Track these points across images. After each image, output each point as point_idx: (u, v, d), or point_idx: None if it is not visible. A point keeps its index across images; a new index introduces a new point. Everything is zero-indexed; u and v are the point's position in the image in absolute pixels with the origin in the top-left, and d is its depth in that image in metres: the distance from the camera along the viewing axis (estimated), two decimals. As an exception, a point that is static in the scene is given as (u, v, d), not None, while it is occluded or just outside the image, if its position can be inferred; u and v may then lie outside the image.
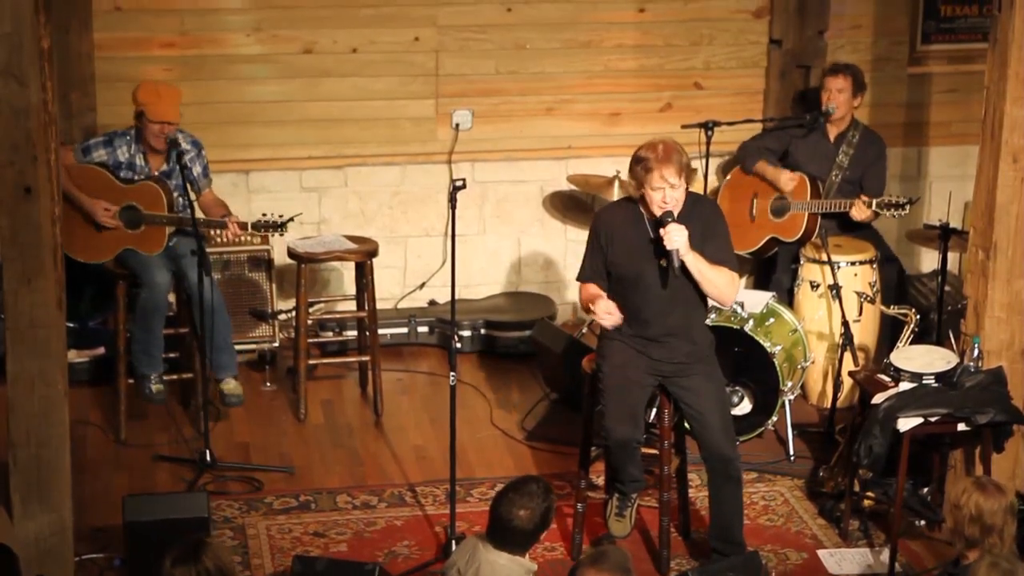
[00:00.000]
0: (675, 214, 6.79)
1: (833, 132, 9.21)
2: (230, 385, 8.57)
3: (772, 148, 9.38)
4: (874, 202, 8.79)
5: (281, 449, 8.39)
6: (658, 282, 6.89)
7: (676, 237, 6.75)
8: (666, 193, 6.77)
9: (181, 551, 5.37)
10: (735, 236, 9.10)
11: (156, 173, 8.43)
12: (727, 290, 6.97)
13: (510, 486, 6.01)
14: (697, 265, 6.82)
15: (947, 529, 6.03)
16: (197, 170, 8.45)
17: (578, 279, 7.17)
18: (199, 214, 8.36)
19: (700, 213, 6.93)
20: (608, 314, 6.88)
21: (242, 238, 8.66)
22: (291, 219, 8.40)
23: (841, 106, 9.11)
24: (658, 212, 6.80)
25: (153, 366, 8.53)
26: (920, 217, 9.94)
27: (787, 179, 9.17)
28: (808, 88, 9.71)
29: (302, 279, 8.62)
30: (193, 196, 8.37)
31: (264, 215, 8.40)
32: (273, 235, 8.49)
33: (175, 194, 8.40)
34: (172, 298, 8.78)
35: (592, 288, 7.01)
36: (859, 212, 8.87)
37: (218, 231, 8.48)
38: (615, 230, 6.97)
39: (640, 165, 6.80)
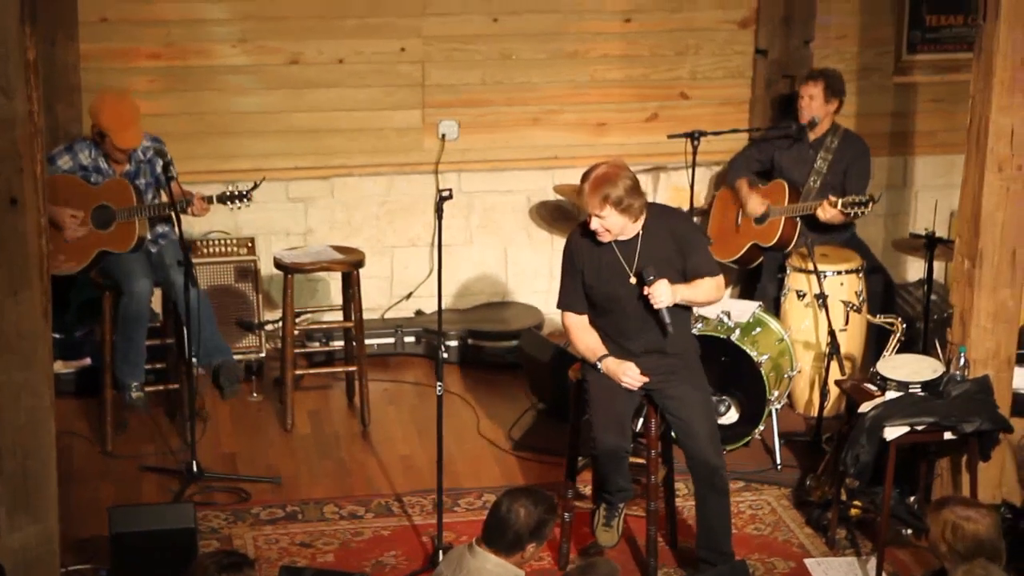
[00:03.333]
0: (615, 238, 6.84)
1: (811, 137, 9.22)
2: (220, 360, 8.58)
3: (759, 159, 9.42)
4: (839, 201, 8.80)
5: (268, 460, 8.39)
6: (632, 300, 6.91)
7: (662, 297, 6.82)
8: (592, 221, 6.83)
9: (225, 558, 5.42)
10: (722, 245, 9.22)
11: (120, 175, 8.42)
12: (714, 296, 7.05)
13: (521, 487, 6.10)
14: (684, 297, 6.89)
15: (950, 568, 5.88)
16: (160, 171, 8.36)
17: (559, 307, 7.17)
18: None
19: (670, 225, 6.96)
20: (630, 376, 6.94)
21: (208, 212, 8.55)
22: (255, 186, 8.40)
23: (815, 112, 9.13)
24: (597, 237, 6.84)
25: (134, 375, 8.51)
26: (906, 226, 9.98)
27: (754, 205, 9.20)
28: (794, 97, 9.72)
29: (289, 289, 8.62)
30: (164, 195, 8.35)
31: (228, 188, 8.40)
32: (238, 205, 8.46)
33: (146, 194, 8.39)
34: (159, 309, 8.79)
35: (592, 339, 7.03)
36: (823, 212, 8.89)
37: (187, 209, 8.38)
38: (585, 252, 6.99)
39: (579, 187, 6.89)
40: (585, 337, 7.04)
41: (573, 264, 7.03)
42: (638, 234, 6.89)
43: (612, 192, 6.74)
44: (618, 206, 6.77)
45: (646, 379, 6.94)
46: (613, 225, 6.81)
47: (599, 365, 6.98)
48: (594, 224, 6.82)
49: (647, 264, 6.84)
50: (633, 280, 6.88)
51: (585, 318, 7.06)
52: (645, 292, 6.82)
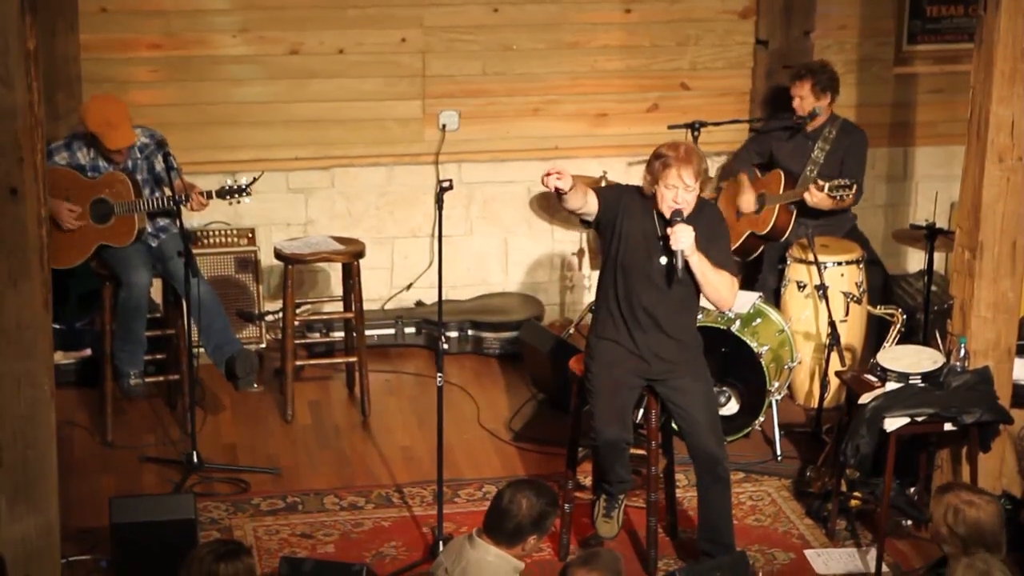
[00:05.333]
0: (684, 215, 6.81)
1: (808, 128, 9.22)
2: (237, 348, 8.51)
3: (758, 152, 9.43)
4: (826, 185, 8.79)
5: (268, 450, 8.39)
6: (658, 277, 6.89)
7: (683, 237, 6.76)
8: (679, 193, 6.78)
9: (215, 547, 5.45)
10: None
11: (117, 169, 8.40)
12: (726, 293, 6.98)
13: (525, 479, 6.10)
14: (701, 267, 6.84)
15: (946, 550, 5.90)
16: (160, 165, 8.33)
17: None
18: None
19: (705, 217, 6.95)
20: (558, 175, 6.73)
21: (206, 207, 8.50)
22: (253, 181, 8.37)
23: (806, 110, 9.12)
24: (667, 211, 6.81)
25: (133, 364, 8.49)
26: (906, 217, 9.97)
27: (746, 201, 9.21)
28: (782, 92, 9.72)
29: (289, 280, 8.62)
30: (165, 190, 8.33)
31: (227, 182, 8.39)
32: (237, 200, 8.43)
33: (144, 188, 8.37)
34: (160, 300, 8.79)
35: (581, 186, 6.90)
36: (811, 196, 8.90)
37: (186, 204, 8.32)
38: (631, 214, 6.95)
39: (659, 160, 6.81)
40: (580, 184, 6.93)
41: (619, 200, 6.96)
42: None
43: (703, 164, 6.82)
44: (705, 180, 6.83)
45: (561, 176, 6.76)
46: (693, 200, 6.83)
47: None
48: (680, 197, 6.78)
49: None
50: (663, 259, 6.86)
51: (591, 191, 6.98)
52: (668, 231, 6.79)
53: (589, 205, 6.91)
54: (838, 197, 8.76)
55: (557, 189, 6.75)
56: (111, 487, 7.85)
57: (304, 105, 9.48)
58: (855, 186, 8.73)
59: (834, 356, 8.27)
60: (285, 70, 9.42)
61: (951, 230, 8.16)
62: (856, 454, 7.17)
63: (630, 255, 6.93)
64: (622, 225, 6.93)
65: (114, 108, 8.32)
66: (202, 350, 8.41)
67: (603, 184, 9.17)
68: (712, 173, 9.89)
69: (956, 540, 5.75)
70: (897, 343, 7.79)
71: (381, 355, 9.48)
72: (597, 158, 9.63)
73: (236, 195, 8.37)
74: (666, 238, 6.81)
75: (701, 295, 7.01)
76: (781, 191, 9.13)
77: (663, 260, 6.88)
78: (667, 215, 6.82)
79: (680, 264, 6.80)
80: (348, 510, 7.78)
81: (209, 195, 8.32)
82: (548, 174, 6.73)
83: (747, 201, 9.24)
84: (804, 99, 9.12)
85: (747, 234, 9.27)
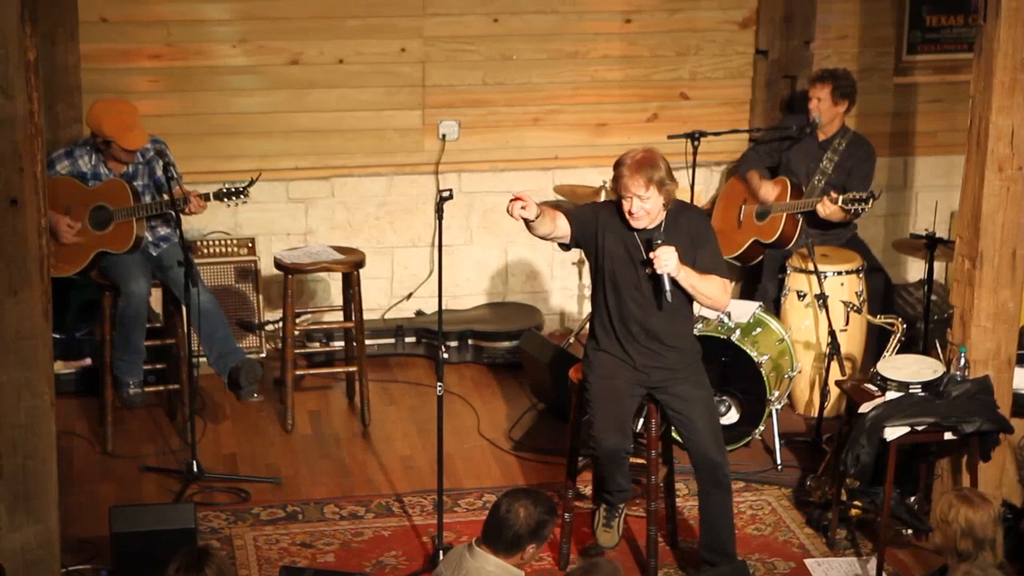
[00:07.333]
0: (647, 224, 6.82)
1: (821, 136, 9.24)
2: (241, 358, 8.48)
3: (769, 155, 9.43)
4: (840, 198, 8.79)
5: (268, 460, 8.39)
6: (646, 288, 6.89)
7: (667, 261, 6.77)
8: (633, 203, 6.79)
9: (184, 559, 5.39)
10: (724, 241, 9.20)
11: (118, 176, 8.40)
12: (719, 298, 7.00)
13: (521, 489, 6.11)
14: (689, 281, 6.84)
15: (938, 546, 5.95)
16: (160, 172, 8.34)
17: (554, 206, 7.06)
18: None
19: (686, 221, 6.95)
20: (523, 206, 6.72)
21: (205, 209, 8.50)
22: (251, 182, 8.37)
23: (823, 113, 9.14)
24: (631, 221, 6.82)
25: (132, 372, 8.50)
26: (906, 227, 9.97)
27: (767, 191, 9.20)
28: (794, 98, 9.73)
29: (289, 290, 8.62)
30: (164, 197, 8.34)
31: (224, 185, 8.39)
32: (235, 202, 8.43)
33: (144, 195, 8.37)
34: (160, 309, 8.80)
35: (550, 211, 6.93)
36: (823, 208, 8.89)
37: (185, 207, 8.32)
38: (609, 228, 6.96)
39: (615, 171, 6.85)
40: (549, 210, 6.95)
41: (596, 216, 6.98)
42: (660, 224, 6.89)
43: (655, 173, 6.77)
44: (661, 187, 6.80)
45: (525, 205, 6.73)
46: (654, 207, 6.81)
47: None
48: (635, 206, 6.79)
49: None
50: (649, 271, 6.87)
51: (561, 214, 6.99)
52: (651, 256, 6.80)
53: (559, 229, 6.94)
54: (852, 211, 8.75)
55: (524, 219, 6.77)
56: (111, 496, 7.85)
57: (304, 115, 9.48)
58: (871, 200, 8.70)
59: (834, 365, 8.28)
60: (285, 80, 9.42)
61: (951, 240, 8.16)
62: (856, 463, 7.17)
63: (617, 269, 6.95)
64: (603, 240, 6.95)
65: (127, 109, 8.38)
66: (203, 359, 8.41)
67: (602, 194, 9.17)
68: (713, 182, 9.92)
69: (950, 533, 5.79)
70: (897, 352, 7.79)
71: (381, 365, 9.48)
72: (596, 168, 9.61)
73: (234, 197, 8.38)
74: (650, 262, 6.82)
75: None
76: (787, 199, 9.13)
77: (649, 272, 6.87)
78: (632, 223, 6.84)
79: (668, 288, 6.81)
80: (348, 519, 7.78)
81: (207, 197, 8.33)
82: (513, 200, 6.74)
83: (768, 190, 9.19)
84: (822, 101, 9.13)
85: (751, 241, 9.27)
